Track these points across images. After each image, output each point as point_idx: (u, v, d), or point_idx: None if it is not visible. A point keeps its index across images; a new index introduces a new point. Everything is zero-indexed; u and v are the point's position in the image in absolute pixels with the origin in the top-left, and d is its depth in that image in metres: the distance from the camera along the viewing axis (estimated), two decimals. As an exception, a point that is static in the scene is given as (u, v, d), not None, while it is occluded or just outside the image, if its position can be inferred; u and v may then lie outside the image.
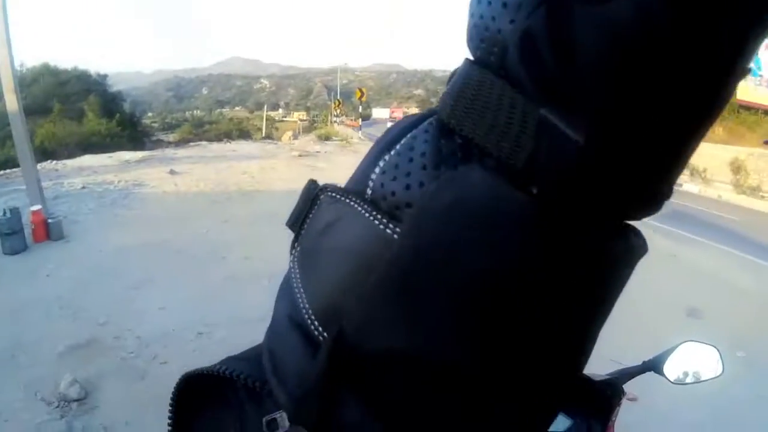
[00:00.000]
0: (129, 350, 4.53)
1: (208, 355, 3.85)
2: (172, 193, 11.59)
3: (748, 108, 42.98)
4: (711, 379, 1.66)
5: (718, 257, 11.11)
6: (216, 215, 9.74)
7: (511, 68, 0.37)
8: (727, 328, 6.56)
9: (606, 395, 1.50)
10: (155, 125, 74.95)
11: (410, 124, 0.44)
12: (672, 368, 1.66)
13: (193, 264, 6.79)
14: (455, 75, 0.45)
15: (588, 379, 1.46)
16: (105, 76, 46.70)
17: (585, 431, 1.49)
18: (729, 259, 11.13)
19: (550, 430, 1.21)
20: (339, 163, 19.36)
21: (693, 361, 1.67)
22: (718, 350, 1.64)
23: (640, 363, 1.68)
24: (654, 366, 1.67)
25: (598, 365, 3.42)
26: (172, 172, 13.71)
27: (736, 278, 9.47)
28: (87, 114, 36.13)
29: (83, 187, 11.57)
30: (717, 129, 44.22)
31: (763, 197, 25.84)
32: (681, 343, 1.66)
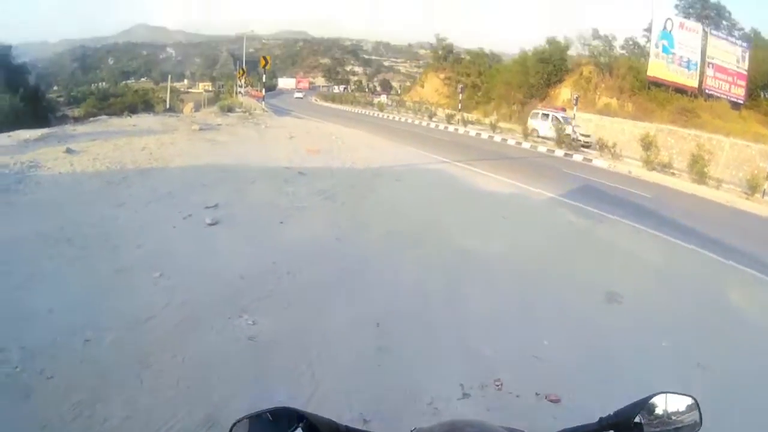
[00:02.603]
0: (13, 364, 4.21)
1: (95, 366, 3.62)
2: (67, 175, 10.98)
3: (659, 85, 44.48)
4: None
5: (634, 236, 11.25)
6: (111, 198, 9.24)
7: None
8: (646, 313, 6.59)
9: None
10: (61, 99, 72.30)
11: None
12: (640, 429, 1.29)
13: (84, 255, 6.39)
14: None
15: None
16: (9, 47, 44.62)
17: None
18: (644, 237, 11.28)
19: None
20: (240, 135, 18.97)
21: (665, 417, 1.33)
22: (695, 401, 1.37)
23: (595, 421, 1.34)
24: (616, 425, 1.32)
25: (519, 363, 3.31)
26: (68, 151, 13.08)
27: (652, 258, 9.61)
28: (-10, 88, 34.46)
29: (-24, 172, 10.97)
30: (627, 104, 45.92)
31: (673, 174, 26.38)
32: (650, 397, 1.33)
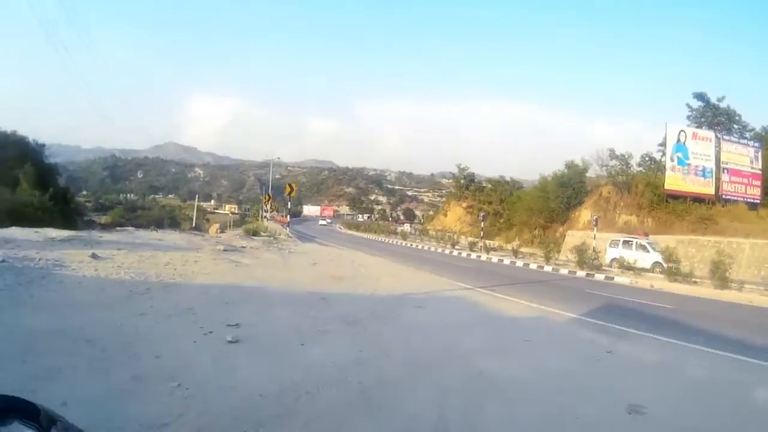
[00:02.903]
0: (21, 450, 4.14)
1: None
2: (91, 279, 11.16)
3: (676, 197, 45.24)
4: None
5: (656, 348, 11.02)
6: (133, 306, 9.33)
7: None
8: (671, 423, 6.40)
9: None
10: (89, 204, 74.06)
11: None
12: None
13: (102, 357, 6.40)
14: None
15: None
16: (43, 146, 45.94)
17: None
18: (667, 348, 11.06)
19: None
20: (264, 259, 19.13)
21: None
22: None
23: None
24: None
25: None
26: (94, 256, 13.28)
27: (674, 367, 9.42)
28: (21, 183, 35.33)
29: (3, 261, 11.13)
30: (646, 220, 47.07)
31: (695, 282, 26.34)
32: None
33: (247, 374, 6.52)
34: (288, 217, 48.29)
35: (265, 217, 47.29)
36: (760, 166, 48.48)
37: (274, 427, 5.08)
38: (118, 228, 30.54)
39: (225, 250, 19.53)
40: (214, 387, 5.94)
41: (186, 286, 12.01)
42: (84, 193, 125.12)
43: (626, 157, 58.04)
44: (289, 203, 47.38)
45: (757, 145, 49.94)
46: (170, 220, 45.62)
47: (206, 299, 10.87)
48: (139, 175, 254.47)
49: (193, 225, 39.93)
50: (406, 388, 6.77)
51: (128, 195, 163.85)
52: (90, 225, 37.33)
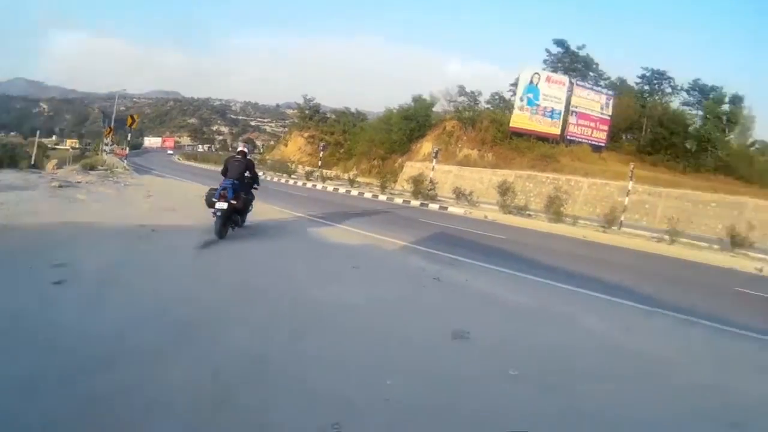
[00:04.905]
0: None
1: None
2: None
3: (521, 135, 47.09)
4: None
5: (483, 275, 11.61)
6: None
7: None
8: (494, 346, 6.75)
9: None
10: None
11: None
12: None
13: None
14: None
15: None
16: None
17: None
18: (493, 276, 11.71)
19: None
20: (98, 193, 18.52)
21: None
22: None
23: None
24: None
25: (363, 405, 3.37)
26: None
27: (499, 294, 9.89)
28: None
29: None
30: (487, 155, 48.48)
31: (530, 215, 28.29)
32: None
33: (72, 317, 6.38)
34: (127, 149, 46.96)
35: (105, 150, 45.38)
36: (611, 113, 51.95)
37: (99, 369, 5.01)
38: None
39: (60, 187, 18.74)
40: (38, 331, 5.79)
41: (13, 228, 11.44)
42: None
43: (475, 94, 59.93)
44: (129, 135, 45.88)
45: (611, 93, 53.69)
46: (9, 160, 43.07)
47: (34, 240, 10.39)
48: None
49: (32, 163, 37.86)
50: (230, 319, 6.84)
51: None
52: None
